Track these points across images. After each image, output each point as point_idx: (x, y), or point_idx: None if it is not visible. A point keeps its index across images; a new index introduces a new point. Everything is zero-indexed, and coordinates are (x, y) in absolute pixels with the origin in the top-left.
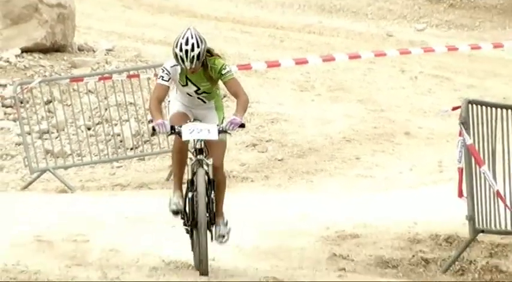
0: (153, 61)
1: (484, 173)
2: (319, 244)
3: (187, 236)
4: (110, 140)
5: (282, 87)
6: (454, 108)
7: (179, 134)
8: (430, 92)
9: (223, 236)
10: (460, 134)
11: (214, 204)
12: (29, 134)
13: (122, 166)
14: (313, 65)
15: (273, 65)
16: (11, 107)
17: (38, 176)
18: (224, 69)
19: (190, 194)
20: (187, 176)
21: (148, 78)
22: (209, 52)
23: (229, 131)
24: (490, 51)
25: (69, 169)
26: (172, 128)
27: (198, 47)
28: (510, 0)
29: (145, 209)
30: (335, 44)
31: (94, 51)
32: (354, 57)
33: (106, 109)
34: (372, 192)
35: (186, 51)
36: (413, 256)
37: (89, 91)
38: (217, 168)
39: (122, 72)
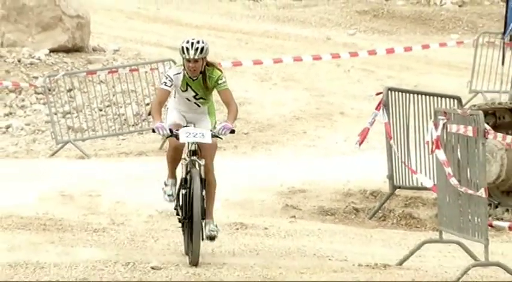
0: (149, 58)
1: (391, 145)
2: (275, 197)
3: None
4: (116, 118)
5: (247, 79)
6: (377, 94)
7: (177, 136)
8: (359, 81)
9: (214, 237)
10: (376, 108)
11: (205, 201)
12: (55, 114)
13: (125, 139)
14: (269, 63)
15: (237, 64)
16: (41, 93)
17: (62, 146)
18: (220, 79)
19: (183, 191)
20: (181, 174)
21: (146, 72)
22: (208, 64)
23: (220, 136)
24: (403, 51)
25: (85, 141)
26: (170, 131)
27: (203, 43)
28: (419, 12)
29: (144, 171)
30: (287, 46)
31: (104, 51)
32: (298, 60)
33: (113, 95)
34: (315, 157)
35: (192, 43)
36: (347, 206)
37: (101, 81)
38: (209, 169)
39: (125, 67)
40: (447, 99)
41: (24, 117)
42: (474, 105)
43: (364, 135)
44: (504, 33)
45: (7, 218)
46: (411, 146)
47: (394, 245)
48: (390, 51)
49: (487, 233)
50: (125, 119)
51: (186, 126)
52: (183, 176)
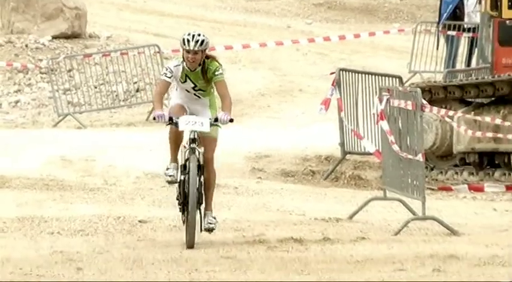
0: (137, 44)
1: (342, 117)
2: (244, 161)
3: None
4: (109, 94)
5: (220, 61)
6: (331, 73)
7: (176, 124)
8: (315, 63)
9: (213, 229)
10: (332, 84)
11: (203, 187)
12: (57, 91)
13: (116, 112)
14: (239, 48)
15: (212, 49)
16: (45, 73)
17: (63, 118)
18: (217, 70)
19: (182, 177)
20: (180, 160)
21: (134, 55)
22: (208, 57)
23: (219, 124)
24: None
25: (82, 113)
26: (170, 119)
27: (203, 36)
28: (366, 4)
29: (132, 139)
30: (254, 33)
31: (99, 37)
32: (263, 45)
33: (106, 75)
34: (278, 128)
35: (193, 35)
36: (305, 169)
37: (96, 63)
38: (209, 161)
39: (116, 51)
40: (390, 78)
41: (31, 93)
42: (413, 84)
43: (327, 103)
44: (438, 22)
45: (16, 179)
46: (359, 118)
47: (345, 202)
48: (342, 37)
49: (424, 192)
50: (116, 95)
51: (188, 114)
52: (182, 163)
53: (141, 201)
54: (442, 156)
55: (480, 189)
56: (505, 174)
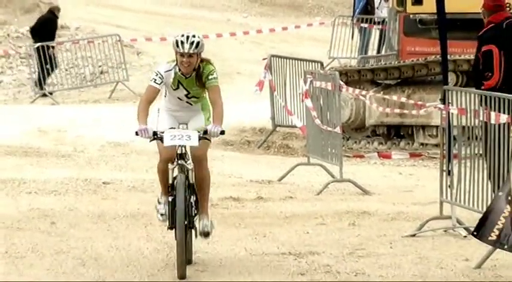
0: (101, 34)
1: (274, 95)
2: None
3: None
4: (78, 76)
5: (170, 49)
6: (264, 59)
7: (161, 139)
8: (250, 50)
9: (208, 233)
10: (265, 68)
11: (193, 208)
12: (34, 73)
13: (84, 91)
14: None
15: (163, 39)
16: (24, 58)
17: (38, 96)
18: (211, 74)
19: (170, 198)
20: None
21: (99, 43)
22: (202, 60)
23: (209, 138)
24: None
25: (56, 92)
26: (154, 133)
27: (198, 37)
28: (293, 1)
29: (98, 114)
30: (199, 25)
31: (69, 28)
32: (206, 37)
33: (75, 59)
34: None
35: (187, 37)
36: (242, 139)
37: (67, 50)
38: (201, 160)
39: (84, 40)
40: (313, 63)
41: (12, 75)
42: (332, 68)
43: (261, 84)
44: (353, 16)
45: None
46: (288, 97)
47: (275, 167)
48: (272, 30)
49: (341, 158)
50: (84, 77)
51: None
52: (170, 182)
53: (105, 166)
54: (356, 129)
55: (388, 157)
56: (408, 143)
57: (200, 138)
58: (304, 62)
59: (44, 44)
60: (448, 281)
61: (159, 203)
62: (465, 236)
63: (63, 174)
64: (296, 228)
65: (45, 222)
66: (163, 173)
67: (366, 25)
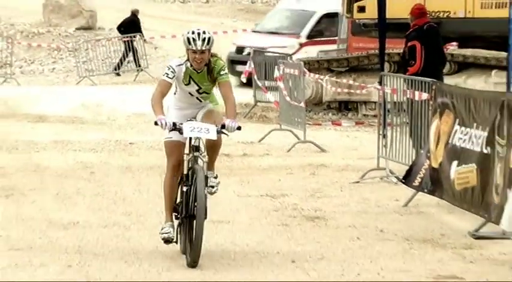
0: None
1: (255, 78)
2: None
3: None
4: (110, 65)
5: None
6: (248, 54)
7: (180, 130)
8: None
9: (213, 187)
10: (249, 59)
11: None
12: (78, 62)
13: (115, 76)
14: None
15: (174, 36)
16: (71, 51)
17: (82, 79)
18: (223, 70)
19: (184, 188)
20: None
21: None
22: (212, 55)
23: (226, 132)
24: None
25: (95, 76)
26: (174, 124)
27: (209, 33)
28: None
29: (126, 92)
30: (201, 27)
31: (104, 29)
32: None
33: (109, 53)
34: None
35: (199, 33)
36: None
37: (102, 45)
38: (216, 146)
39: (115, 38)
40: (285, 55)
41: (62, 64)
42: (298, 59)
43: (247, 73)
44: None
45: (52, 116)
46: (266, 80)
47: (256, 132)
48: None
49: (304, 125)
50: (115, 65)
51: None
52: (185, 173)
53: (131, 131)
54: (316, 104)
55: (339, 124)
56: (354, 114)
57: (218, 133)
58: (278, 55)
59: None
60: (383, 214)
61: (163, 228)
62: (396, 183)
63: (99, 136)
64: (271, 176)
65: (86, 172)
66: (171, 187)
67: None
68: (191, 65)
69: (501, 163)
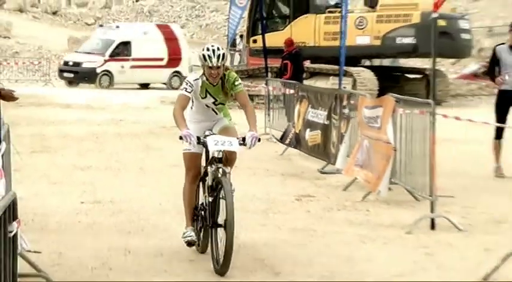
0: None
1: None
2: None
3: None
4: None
5: None
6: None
7: (204, 144)
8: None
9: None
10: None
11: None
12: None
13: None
14: None
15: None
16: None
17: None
18: (237, 81)
19: (210, 199)
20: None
21: None
22: (226, 68)
23: (248, 146)
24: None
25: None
26: (198, 138)
27: (222, 49)
28: None
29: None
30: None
31: None
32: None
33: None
34: None
35: (213, 50)
36: None
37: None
38: (234, 159)
39: None
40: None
41: None
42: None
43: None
44: (227, 46)
45: (74, 104)
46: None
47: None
48: None
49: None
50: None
51: (212, 134)
52: (209, 184)
53: (121, 113)
54: None
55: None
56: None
57: (240, 145)
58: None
59: None
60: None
61: (185, 232)
62: (275, 142)
63: (102, 116)
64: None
65: (93, 137)
66: (190, 194)
67: (233, 52)
68: (207, 79)
69: (335, 130)
